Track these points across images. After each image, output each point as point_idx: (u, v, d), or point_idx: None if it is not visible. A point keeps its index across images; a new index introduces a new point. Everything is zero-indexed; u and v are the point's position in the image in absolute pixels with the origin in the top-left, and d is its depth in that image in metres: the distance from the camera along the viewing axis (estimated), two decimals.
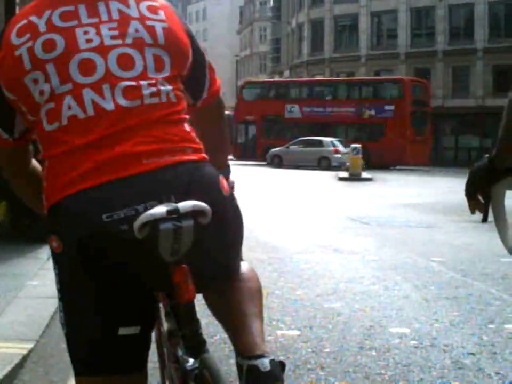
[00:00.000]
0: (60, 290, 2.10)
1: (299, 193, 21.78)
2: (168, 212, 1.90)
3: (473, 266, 8.84)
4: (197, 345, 2.04)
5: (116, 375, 2.08)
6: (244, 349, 2.09)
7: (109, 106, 2.05)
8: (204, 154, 2.16)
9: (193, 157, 2.11)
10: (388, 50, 59.18)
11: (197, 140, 2.18)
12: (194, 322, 2.03)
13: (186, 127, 2.16)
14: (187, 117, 2.20)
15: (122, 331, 2.04)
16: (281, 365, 2.05)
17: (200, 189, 2.02)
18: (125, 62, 2.11)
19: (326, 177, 31.94)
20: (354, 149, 32.04)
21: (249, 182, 22.04)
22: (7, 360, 4.24)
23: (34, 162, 2.39)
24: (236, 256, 2.29)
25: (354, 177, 30.84)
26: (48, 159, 2.09)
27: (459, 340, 5.41)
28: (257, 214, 14.10)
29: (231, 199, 2.18)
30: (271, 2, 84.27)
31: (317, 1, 65.37)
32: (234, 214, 2.20)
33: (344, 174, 32.26)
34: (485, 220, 2.50)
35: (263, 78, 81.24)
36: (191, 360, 2.07)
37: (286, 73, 73.84)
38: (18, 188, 2.44)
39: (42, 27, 2.13)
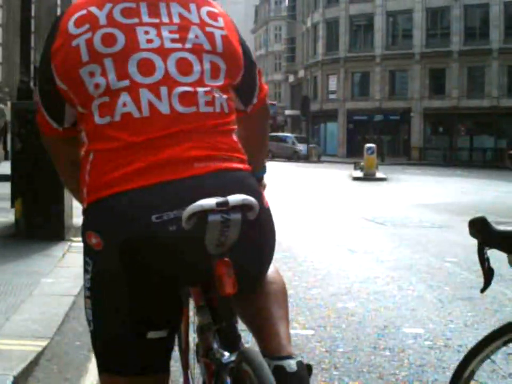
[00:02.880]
0: (91, 288, 2.08)
1: (313, 192, 21.73)
2: (218, 204, 1.91)
3: None
4: (233, 339, 2.05)
5: (142, 375, 2.09)
6: (270, 350, 2.10)
7: (165, 109, 2.05)
8: (247, 165, 2.18)
9: (240, 165, 2.13)
10: (403, 50, 59.07)
11: (243, 151, 2.19)
12: (232, 316, 2.03)
13: (234, 137, 2.18)
14: (236, 127, 2.21)
15: (151, 335, 2.05)
16: (308, 368, 2.06)
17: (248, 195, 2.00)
18: (184, 66, 2.11)
19: (340, 177, 31.89)
20: (369, 148, 31.88)
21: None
22: (21, 357, 4.24)
23: None
24: (266, 267, 2.30)
25: (369, 177, 30.69)
26: (94, 153, 2.07)
27: (473, 340, 5.37)
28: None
29: (269, 212, 2.20)
30: (286, 2, 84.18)
31: (332, 0, 65.32)
32: (271, 226, 2.21)
33: (359, 174, 32.14)
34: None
35: (278, 77, 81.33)
36: (227, 354, 2.08)
37: (301, 72, 73.80)
38: (64, 178, 2.44)
39: (102, 20, 2.12)
